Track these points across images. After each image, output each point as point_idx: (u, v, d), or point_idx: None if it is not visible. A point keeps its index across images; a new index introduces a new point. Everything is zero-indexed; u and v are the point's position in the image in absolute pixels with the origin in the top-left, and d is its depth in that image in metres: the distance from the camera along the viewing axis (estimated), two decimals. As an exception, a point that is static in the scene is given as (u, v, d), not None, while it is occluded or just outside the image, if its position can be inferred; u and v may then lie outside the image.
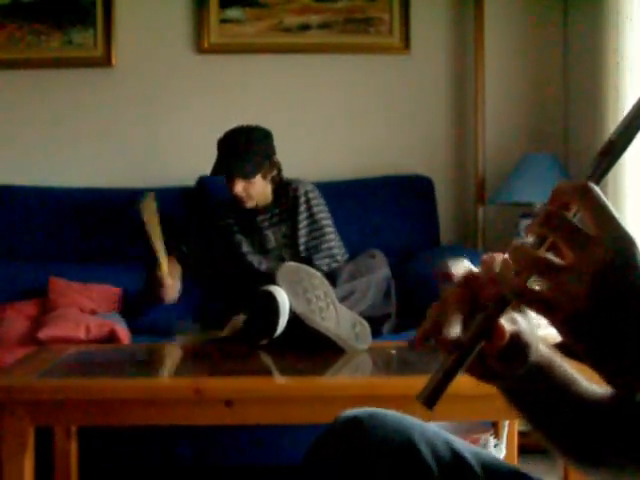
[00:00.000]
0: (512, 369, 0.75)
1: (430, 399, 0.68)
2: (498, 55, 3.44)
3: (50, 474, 2.22)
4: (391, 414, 0.90)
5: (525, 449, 2.64)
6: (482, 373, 0.75)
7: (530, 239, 0.65)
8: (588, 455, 0.82)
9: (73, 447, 2.26)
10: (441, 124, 3.48)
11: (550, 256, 0.63)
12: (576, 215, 0.63)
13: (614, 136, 0.65)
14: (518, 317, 0.74)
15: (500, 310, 0.67)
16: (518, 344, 0.73)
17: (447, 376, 0.67)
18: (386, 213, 3.22)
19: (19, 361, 2.07)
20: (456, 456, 0.87)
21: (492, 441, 2.39)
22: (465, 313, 0.70)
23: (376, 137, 3.46)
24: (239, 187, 2.82)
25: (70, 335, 2.56)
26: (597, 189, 0.62)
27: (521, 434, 2.54)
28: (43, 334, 2.54)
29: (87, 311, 2.81)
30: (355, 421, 0.88)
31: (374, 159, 3.42)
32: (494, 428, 2.47)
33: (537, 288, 0.63)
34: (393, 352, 2.16)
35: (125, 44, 3.40)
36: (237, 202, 2.88)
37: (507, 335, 0.68)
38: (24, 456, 1.69)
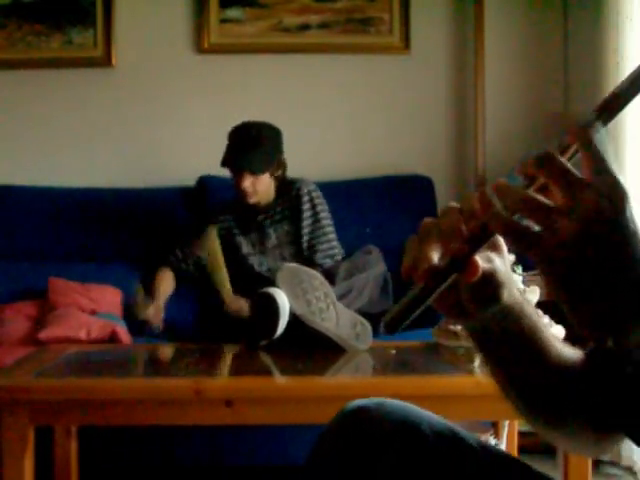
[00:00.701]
0: (484, 308, 0.74)
1: (393, 324, 0.66)
2: (498, 55, 3.43)
3: (50, 474, 2.22)
4: (397, 403, 0.91)
5: (525, 449, 2.64)
6: (453, 311, 0.74)
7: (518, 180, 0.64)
8: (543, 410, 0.81)
9: (73, 447, 2.26)
10: (441, 124, 3.48)
11: (540, 196, 0.62)
12: (572, 159, 0.63)
13: (618, 89, 0.64)
14: (495, 256, 0.73)
15: (477, 244, 0.66)
16: (492, 283, 0.72)
17: (414, 303, 0.65)
18: (386, 213, 3.21)
19: (19, 361, 2.07)
20: (461, 444, 0.87)
21: (492, 441, 2.39)
22: (444, 245, 0.68)
23: (376, 137, 3.46)
24: (247, 182, 2.82)
25: (71, 336, 2.56)
26: (599, 137, 0.61)
27: (521, 434, 2.54)
28: (44, 335, 2.54)
29: (87, 311, 2.81)
30: (362, 410, 0.89)
31: (374, 159, 3.42)
32: (494, 428, 2.47)
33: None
34: (393, 352, 2.16)
35: (125, 44, 3.40)
36: (240, 196, 2.87)
37: (480, 270, 0.67)
38: (24, 456, 1.69)
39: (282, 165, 2.92)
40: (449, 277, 0.66)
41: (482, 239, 0.66)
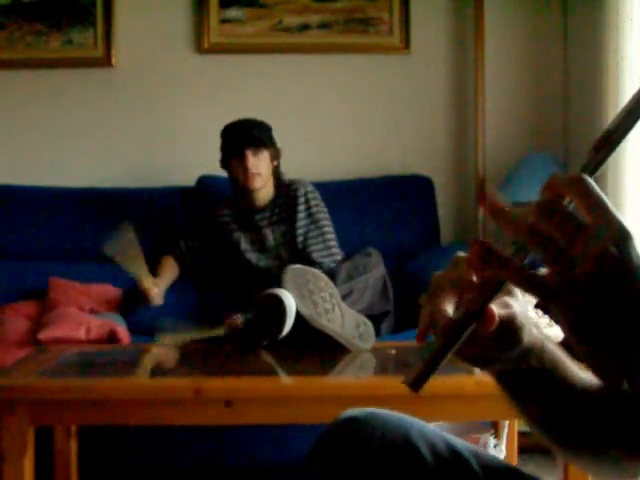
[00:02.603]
0: (505, 352, 0.74)
1: (416, 382, 0.66)
2: (498, 55, 3.43)
3: (50, 474, 2.22)
4: (390, 414, 0.90)
5: (525, 449, 2.64)
6: (476, 358, 0.74)
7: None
8: (572, 439, 0.82)
9: (73, 447, 2.26)
10: (441, 124, 3.48)
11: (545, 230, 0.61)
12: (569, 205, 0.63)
13: (611, 127, 0.64)
14: (510, 300, 0.74)
15: (491, 293, 0.66)
16: (511, 328, 0.73)
17: (435, 359, 0.66)
18: (386, 213, 3.21)
19: (19, 361, 2.07)
20: (454, 454, 0.87)
21: (492, 441, 2.39)
22: (457, 296, 0.69)
23: (376, 137, 3.46)
24: (250, 161, 2.82)
25: (70, 336, 2.55)
26: (591, 180, 0.61)
27: (521, 434, 2.54)
28: (43, 335, 2.54)
29: (87, 311, 2.81)
30: (354, 421, 0.89)
31: (374, 159, 3.42)
32: (494, 428, 2.47)
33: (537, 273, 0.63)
34: (393, 352, 2.16)
35: (125, 44, 3.40)
36: (245, 184, 2.86)
37: (497, 319, 0.67)
38: (24, 456, 1.69)
39: (279, 153, 2.93)
40: (467, 329, 0.66)
41: (495, 288, 0.66)
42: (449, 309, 0.68)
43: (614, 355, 0.61)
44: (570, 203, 0.62)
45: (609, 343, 0.61)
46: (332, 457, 0.88)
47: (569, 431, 0.81)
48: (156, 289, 2.87)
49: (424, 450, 0.85)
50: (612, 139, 0.64)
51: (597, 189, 0.61)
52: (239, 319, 2.58)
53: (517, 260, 0.63)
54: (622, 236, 0.59)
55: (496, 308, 0.69)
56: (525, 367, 0.77)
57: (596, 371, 0.64)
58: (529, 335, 0.76)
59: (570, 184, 0.61)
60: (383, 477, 0.85)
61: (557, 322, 0.63)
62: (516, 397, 0.81)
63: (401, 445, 0.86)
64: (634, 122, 0.64)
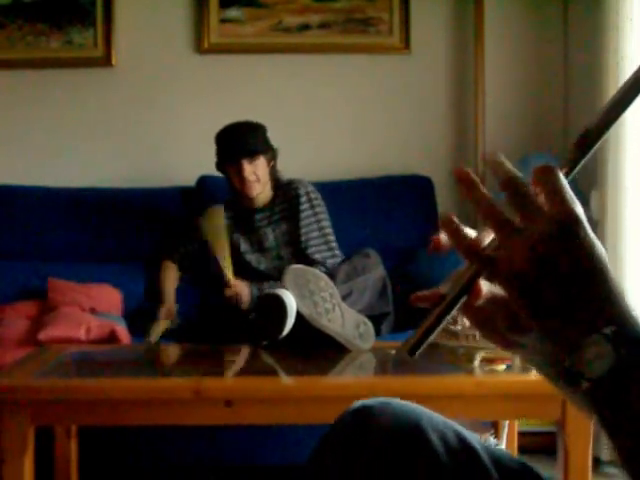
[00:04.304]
0: (523, 334, 0.75)
1: (412, 349, 0.72)
2: (498, 55, 3.43)
3: (50, 474, 2.22)
4: (401, 403, 0.91)
5: (525, 449, 2.64)
6: (501, 341, 0.77)
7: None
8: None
9: (73, 447, 2.26)
10: (441, 124, 3.48)
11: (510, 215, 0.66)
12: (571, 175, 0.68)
13: (590, 125, 0.68)
14: None
15: (477, 270, 0.70)
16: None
17: (429, 328, 0.71)
18: (386, 213, 3.22)
19: (19, 361, 2.07)
20: (464, 445, 0.87)
21: (492, 441, 2.39)
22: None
23: (376, 137, 3.46)
24: (247, 169, 2.82)
25: (70, 335, 2.56)
26: (558, 171, 0.65)
27: (521, 434, 2.54)
28: (43, 335, 2.54)
29: (87, 311, 2.81)
30: (364, 410, 0.89)
31: (374, 159, 3.42)
32: (494, 428, 2.47)
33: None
34: (393, 352, 2.16)
35: (125, 44, 3.40)
36: (242, 192, 2.87)
37: (483, 293, 0.70)
38: (24, 456, 1.69)
39: (274, 155, 2.93)
40: (458, 301, 0.70)
41: (478, 272, 0.70)
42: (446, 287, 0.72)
43: (553, 328, 0.64)
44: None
45: (546, 316, 0.64)
46: (343, 445, 0.88)
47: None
48: (163, 313, 2.83)
49: (434, 439, 0.86)
50: (591, 138, 0.68)
51: (561, 179, 0.65)
52: (246, 287, 2.61)
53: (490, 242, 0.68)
54: (570, 220, 0.64)
55: (498, 289, 0.72)
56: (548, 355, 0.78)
57: (549, 348, 0.66)
58: None
59: (538, 172, 0.66)
60: (393, 465, 0.85)
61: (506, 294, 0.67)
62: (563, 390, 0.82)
63: (411, 433, 0.86)
64: (612, 121, 0.68)
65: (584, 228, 0.64)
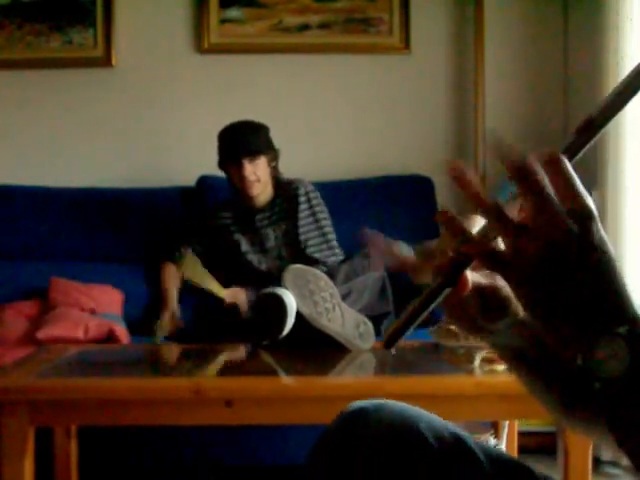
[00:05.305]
0: (495, 322, 0.77)
1: (389, 341, 0.71)
2: (498, 55, 3.44)
3: (50, 474, 2.22)
4: (398, 404, 0.91)
5: (525, 449, 2.64)
6: (473, 327, 0.77)
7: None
8: (574, 409, 0.81)
9: (73, 447, 2.26)
10: (441, 124, 3.48)
11: (511, 214, 0.65)
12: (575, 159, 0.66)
13: (595, 112, 0.66)
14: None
15: (466, 262, 0.69)
16: (497, 297, 0.75)
17: (408, 320, 0.70)
18: (386, 213, 3.21)
19: (19, 361, 2.07)
20: (461, 445, 0.87)
21: (492, 441, 2.39)
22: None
23: (376, 137, 3.46)
24: (248, 169, 2.82)
25: (69, 335, 2.56)
26: (565, 160, 0.63)
27: (521, 434, 2.54)
28: (42, 334, 2.54)
29: (87, 311, 2.81)
30: (361, 412, 0.89)
31: (374, 159, 3.42)
32: (494, 428, 2.47)
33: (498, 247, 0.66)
34: (393, 352, 2.16)
35: (125, 44, 3.40)
36: (242, 191, 2.87)
37: (469, 285, 0.70)
38: (24, 456, 1.69)
39: (276, 155, 2.93)
40: (440, 293, 0.69)
41: (466, 259, 0.69)
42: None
43: (567, 327, 0.63)
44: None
45: (560, 315, 0.63)
46: (340, 447, 0.88)
47: (564, 393, 0.80)
48: (166, 319, 2.83)
49: (431, 440, 0.86)
50: (595, 124, 0.66)
51: (570, 169, 0.63)
52: (242, 293, 2.61)
53: (489, 235, 0.67)
54: (585, 216, 0.62)
55: (478, 277, 0.72)
56: (517, 340, 0.78)
57: (552, 345, 0.65)
58: (517, 307, 0.76)
59: (545, 162, 0.63)
60: (390, 466, 0.85)
61: (515, 296, 0.66)
62: (515, 367, 0.83)
63: (408, 433, 0.86)
64: (618, 109, 0.66)
65: (597, 223, 0.62)
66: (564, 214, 0.62)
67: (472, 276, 0.72)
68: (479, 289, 0.73)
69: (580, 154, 0.66)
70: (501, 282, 0.75)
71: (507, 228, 0.64)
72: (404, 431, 0.87)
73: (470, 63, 3.44)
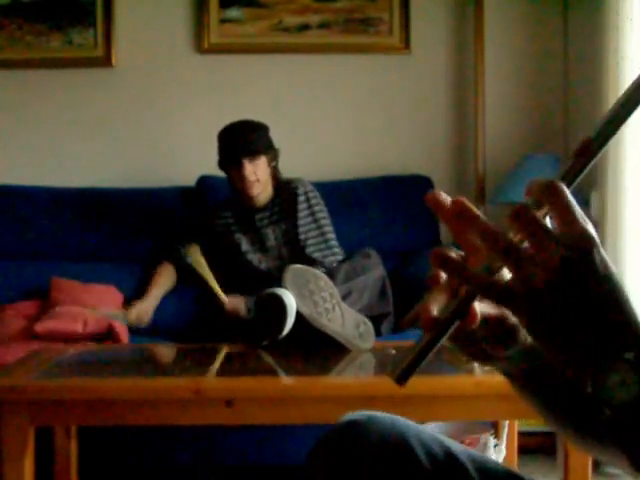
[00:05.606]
0: (502, 351, 0.76)
1: (402, 377, 0.70)
2: (498, 55, 3.44)
3: (50, 474, 2.22)
4: (388, 417, 0.91)
5: (525, 449, 2.64)
6: (480, 356, 0.77)
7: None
8: (585, 432, 0.82)
9: (73, 447, 2.26)
10: (441, 124, 3.48)
11: (518, 246, 0.64)
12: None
13: (593, 134, 0.66)
14: None
15: (472, 294, 0.68)
16: (504, 327, 0.74)
17: (420, 354, 0.69)
18: (386, 213, 3.21)
19: (19, 361, 2.07)
20: (451, 457, 0.88)
21: (492, 441, 2.39)
22: (449, 294, 0.71)
23: (376, 137, 3.46)
24: (248, 169, 2.82)
25: (67, 329, 2.56)
26: (564, 187, 0.63)
27: (521, 434, 2.54)
28: (40, 327, 2.54)
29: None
30: (353, 424, 0.89)
31: (374, 159, 3.42)
32: (494, 428, 2.47)
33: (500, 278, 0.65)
34: (393, 352, 2.16)
35: (125, 44, 3.40)
36: (243, 191, 2.87)
37: (478, 318, 0.69)
38: (24, 456, 1.69)
39: (276, 155, 2.92)
40: (451, 326, 0.68)
41: (471, 296, 0.68)
42: (435, 307, 0.69)
43: (576, 355, 0.63)
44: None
45: (569, 343, 0.63)
46: (332, 460, 0.88)
47: (575, 418, 0.81)
48: (134, 312, 2.79)
49: (420, 453, 0.86)
50: (593, 146, 0.66)
51: (569, 196, 0.63)
52: (241, 301, 2.60)
53: (491, 269, 0.66)
54: (586, 243, 0.62)
55: (485, 307, 0.71)
56: (526, 367, 0.78)
57: (562, 372, 0.65)
58: (525, 335, 0.76)
59: (543, 191, 0.64)
60: (379, 479, 0.86)
61: (523, 327, 0.66)
62: (526, 395, 0.82)
63: (398, 447, 0.87)
64: (615, 130, 0.67)
65: (599, 249, 0.62)
66: (564, 244, 0.62)
67: (480, 307, 0.71)
68: (487, 319, 0.73)
69: (579, 178, 0.66)
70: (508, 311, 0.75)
71: (514, 262, 0.63)
72: (395, 445, 0.87)
73: (470, 63, 3.44)
